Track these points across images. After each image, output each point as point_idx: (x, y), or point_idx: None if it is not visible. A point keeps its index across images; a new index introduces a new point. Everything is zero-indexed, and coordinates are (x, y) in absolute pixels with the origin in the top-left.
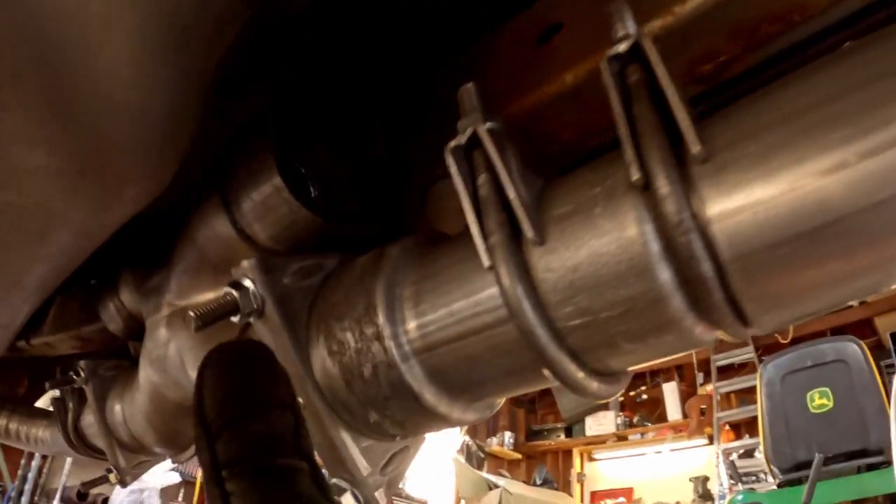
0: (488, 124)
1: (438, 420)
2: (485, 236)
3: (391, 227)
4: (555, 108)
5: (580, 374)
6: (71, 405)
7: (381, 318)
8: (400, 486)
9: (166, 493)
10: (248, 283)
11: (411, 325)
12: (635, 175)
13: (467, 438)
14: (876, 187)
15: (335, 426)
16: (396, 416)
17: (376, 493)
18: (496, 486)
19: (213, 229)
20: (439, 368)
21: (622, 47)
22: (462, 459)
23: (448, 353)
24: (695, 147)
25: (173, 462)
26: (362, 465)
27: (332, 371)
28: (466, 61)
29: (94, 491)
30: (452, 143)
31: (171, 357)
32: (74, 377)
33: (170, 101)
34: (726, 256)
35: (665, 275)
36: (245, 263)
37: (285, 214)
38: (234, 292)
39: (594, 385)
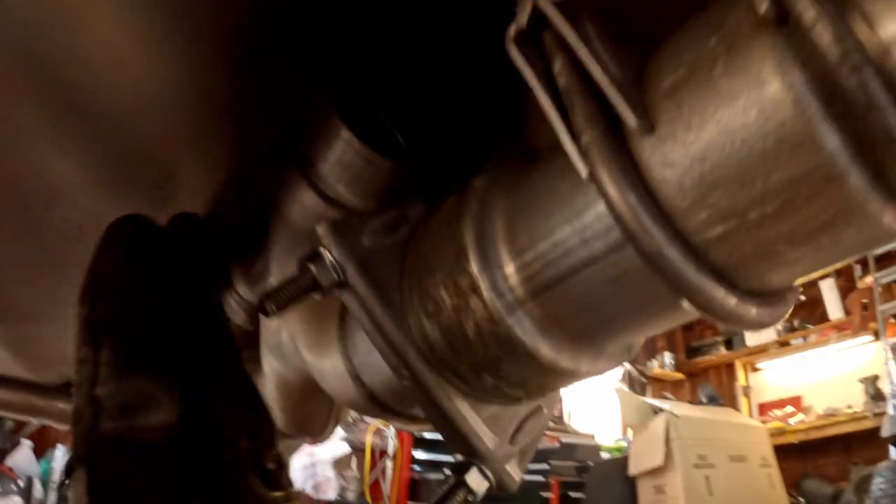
0: None
1: (564, 375)
2: (575, 137)
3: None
4: None
5: (732, 301)
6: None
7: (473, 265)
8: (566, 421)
9: (338, 463)
10: (325, 253)
11: (509, 267)
12: (762, 5)
13: (627, 365)
14: None
15: (448, 396)
16: (513, 377)
17: (507, 467)
18: (661, 411)
19: (299, 201)
20: (552, 316)
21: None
22: (625, 387)
23: (559, 296)
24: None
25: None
26: (487, 436)
27: (432, 335)
28: None
29: None
30: (512, 29)
31: (286, 342)
32: None
33: (190, 79)
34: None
35: (833, 141)
36: (318, 229)
37: (364, 168)
38: (311, 266)
39: (752, 311)
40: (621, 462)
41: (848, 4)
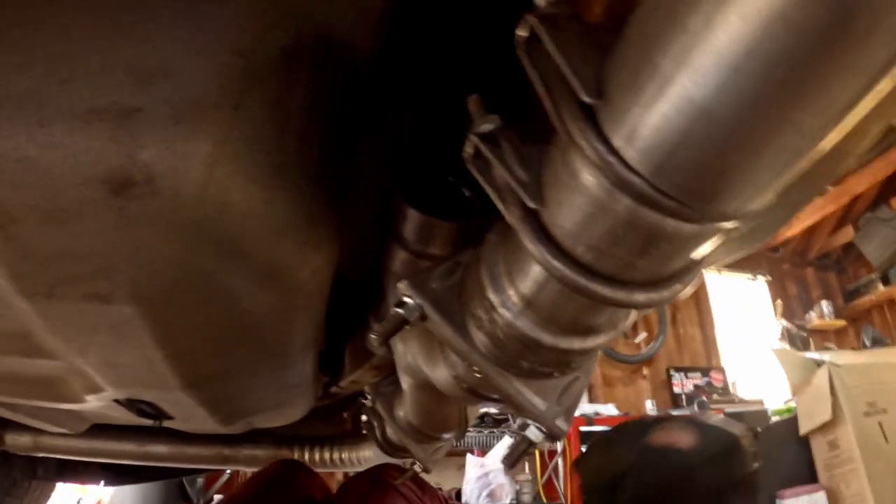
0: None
1: (564, 353)
2: (509, 214)
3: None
4: None
5: (621, 294)
6: (375, 423)
7: (490, 295)
8: (732, 391)
9: (511, 469)
10: (407, 299)
11: (510, 291)
12: (563, 135)
13: (784, 322)
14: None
15: (506, 379)
16: (537, 360)
17: (556, 422)
18: (822, 363)
19: (398, 258)
20: (543, 316)
21: (522, 32)
22: (785, 346)
23: (543, 304)
24: (583, 96)
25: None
26: (537, 401)
27: (484, 341)
28: None
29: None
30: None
31: (411, 362)
32: (364, 401)
33: (287, 193)
34: (651, 173)
35: (623, 202)
36: (399, 286)
37: (434, 230)
38: (400, 310)
39: (641, 297)
40: (791, 423)
41: (597, 130)
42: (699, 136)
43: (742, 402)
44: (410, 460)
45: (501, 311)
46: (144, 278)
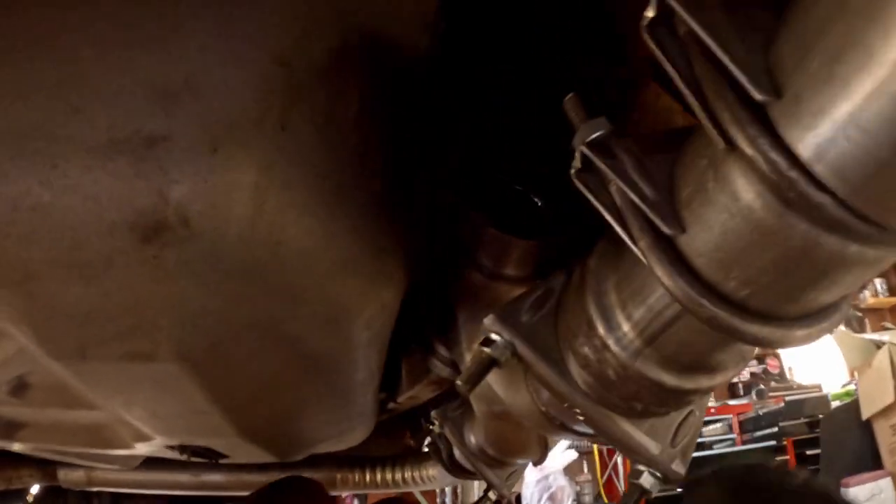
0: None
1: (692, 393)
2: (632, 239)
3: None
4: None
5: (746, 324)
6: (441, 446)
7: (601, 331)
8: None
9: (569, 470)
10: (495, 336)
11: (626, 327)
12: (720, 144)
13: None
14: None
15: (614, 421)
16: (654, 400)
17: (672, 465)
18: (882, 344)
19: (470, 280)
20: (666, 355)
21: (649, 12)
22: (841, 328)
23: (666, 342)
24: (756, 94)
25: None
26: (651, 444)
27: (589, 380)
28: None
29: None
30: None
31: (487, 392)
32: (431, 426)
33: (348, 222)
34: (845, 191)
35: (802, 225)
36: (486, 322)
37: (509, 249)
38: (487, 349)
39: (800, 333)
40: (853, 407)
41: (773, 136)
42: None
43: (800, 388)
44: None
45: (615, 349)
46: (189, 334)
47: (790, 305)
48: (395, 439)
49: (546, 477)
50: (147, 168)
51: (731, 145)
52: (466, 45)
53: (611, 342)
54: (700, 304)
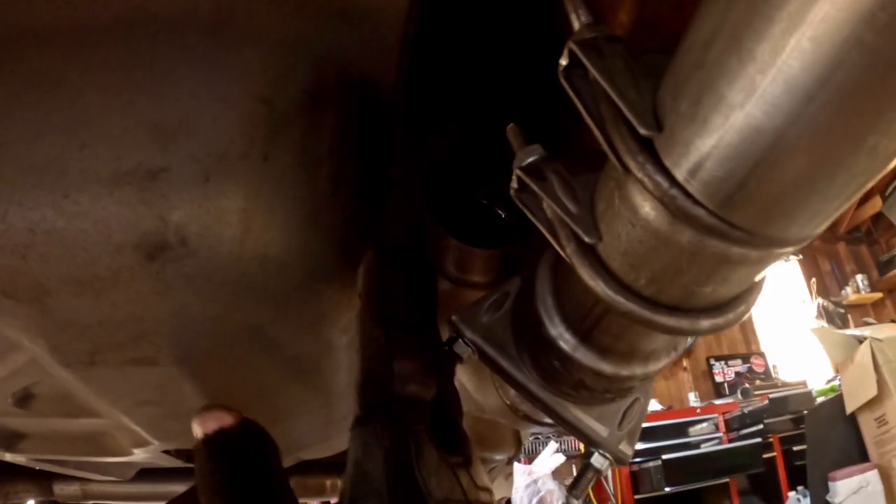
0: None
1: (630, 379)
2: (561, 247)
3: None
4: None
5: (657, 316)
6: None
7: (547, 329)
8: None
9: (558, 473)
10: (459, 335)
11: (565, 325)
12: (619, 168)
13: (820, 301)
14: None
15: (566, 409)
16: (597, 387)
17: (620, 447)
18: (863, 339)
19: (441, 289)
20: (603, 346)
21: (563, 61)
22: (823, 324)
23: (600, 335)
24: (641, 129)
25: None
26: (599, 428)
27: (541, 372)
28: None
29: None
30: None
31: (461, 391)
32: None
33: (324, 239)
34: (715, 205)
35: (687, 233)
36: (453, 318)
37: (472, 259)
38: (454, 346)
39: (706, 323)
40: (837, 402)
41: (656, 162)
42: (769, 167)
43: (785, 385)
44: None
45: (559, 343)
46: (188, 339)
47: (693, 299)
48: None
49: (535, 481)
50: (150, 196)
51: (626, 170)
52: (430, 70)
53: (554, 337)
54: (617, 300)
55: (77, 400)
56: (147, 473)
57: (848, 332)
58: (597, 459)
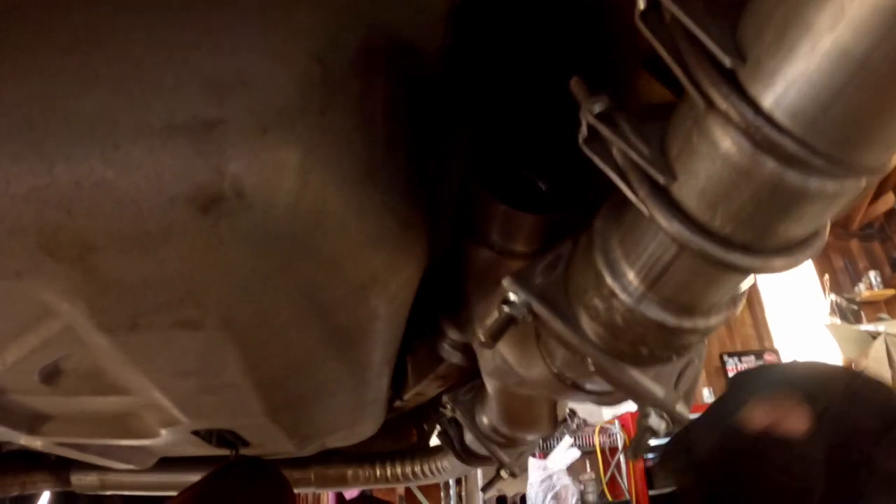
0: None
1: (691, 333)
2: (633, 191)
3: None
4: None
5: (731, 255)
6: (452, 433)
7: (608, 281)
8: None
9: (573, 469)
10: (512, 296)
11: (630, 275)
12: (701, 104)
13: (833, 297)
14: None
15: (622, 369)
16: (658, 344)
17: (677, 407)
18: (877, 335)
19: (480, 260)
20: (666, 297)
21: (641, 4)
22: (836, 321)
23: (665, 284)
24: (726, 60)
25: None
26: (657, 389)
27: (599, 331)
28: None
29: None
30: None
31: (500, 365)
32: (444, 411)
33: (380, 199)
34: (801, 132)
35: (770, 163)
36: (504, 283)
37: (517, 224)
38: (506, 308)
39: (779, 262)
40: None
41: (742, 94)
42: (856, 89)
43: None
44: (497, 467)
45: (623, 296)
46: (237, 300)
47: (767, 237)
48: (401, 438)
49: (550, 477)
50: (205, 148)
51: (710, 104)
52: (474, 43)
53: (617, 290)
54: (692, 240)
55: (107, 376)
56: (166, 463)
57: (861, 327)
58: (654, 420)
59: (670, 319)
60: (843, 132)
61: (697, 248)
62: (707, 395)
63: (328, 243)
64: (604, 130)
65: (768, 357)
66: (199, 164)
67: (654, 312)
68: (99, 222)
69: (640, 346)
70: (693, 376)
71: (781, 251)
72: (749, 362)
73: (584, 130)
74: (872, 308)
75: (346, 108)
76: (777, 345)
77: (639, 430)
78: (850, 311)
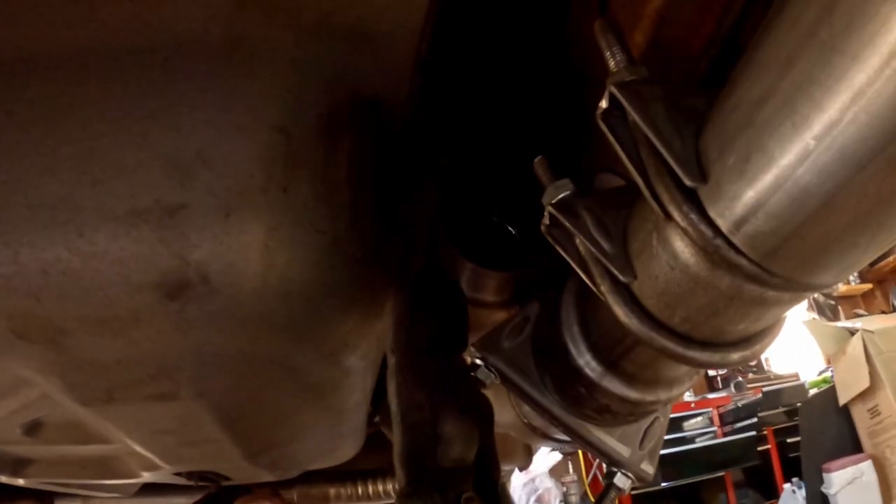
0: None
1: (655, 403)
2: (595, 284)
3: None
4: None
5: (689, 351)
6: None
7: (573, 355)
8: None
9: (555, 471)
10: (479, 361)
11: (593, 353)
12: (660, 214)
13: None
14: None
15: (588, 430)
16: (621, 410)
17: (642, 466)
18: (855, 331)
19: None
20: (628, 375)
21: (603, 103)
22: (814, 317)
23: (627, 365)
24: (687, 180)
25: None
26: (622, 449)
27: (565, 396)
28: None
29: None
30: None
31: None
32: None
33: (346, 269)
34: (758, 255)
35: (726, 279)
36: (471, 348)
37: (486, 280)
38: (475, 373)
39: (735, 356)
40: (830, 394)
41: (701, 211)
42: (816, 225)
43: (778, 377)
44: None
45: (586, 371)
46: (209, 373)
47: (725, 335)
48: (385, 453)
49: (532, 479)
50: (168, 234)
51: (669, 218)
52: (442, 92)
53: (581, 364)
54: (652, 336)
55: (88, 428)
56: (150, 488)
57: (839, 324)
58: (619, 479)
59: (633, 394)
60: (800, 259)
61: (658, 344)
62: (686, 394)
63: (296, 320)
64: (564, 222)
65: None
66: (163, 251)
67: (617, 388)
68: (68, 308)
69: (604, 413)
70: (659, 433)
71: (739, 345)
72: None
73: (545, 218)
74: (850, 303)
75: (309, 180)
76: None
77: (605, 488)
78: (827, 307)
